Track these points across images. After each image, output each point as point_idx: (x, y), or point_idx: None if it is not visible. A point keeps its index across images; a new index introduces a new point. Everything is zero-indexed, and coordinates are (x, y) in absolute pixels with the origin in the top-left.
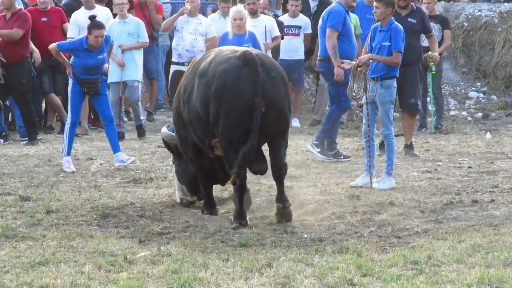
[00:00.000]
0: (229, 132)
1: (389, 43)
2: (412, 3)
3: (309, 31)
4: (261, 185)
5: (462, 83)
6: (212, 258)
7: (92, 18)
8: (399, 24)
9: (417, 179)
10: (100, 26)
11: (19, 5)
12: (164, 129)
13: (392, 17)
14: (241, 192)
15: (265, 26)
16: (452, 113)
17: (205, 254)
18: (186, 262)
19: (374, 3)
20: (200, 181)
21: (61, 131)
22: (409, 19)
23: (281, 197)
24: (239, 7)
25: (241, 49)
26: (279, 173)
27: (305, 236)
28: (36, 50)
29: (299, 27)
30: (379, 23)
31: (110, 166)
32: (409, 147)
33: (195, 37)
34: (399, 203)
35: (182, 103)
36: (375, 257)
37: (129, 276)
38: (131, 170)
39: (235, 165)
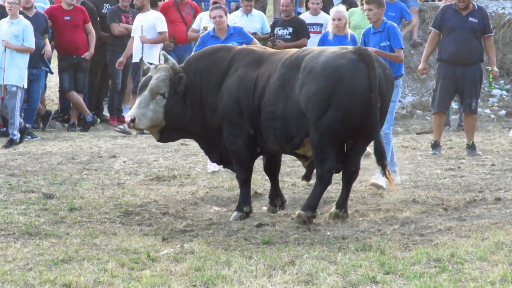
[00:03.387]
0: (335, 125)
1: (387, 43)
2: (472, 2)
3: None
4: (284, 183)
5: (485, 81)
6: (235, 255)
7: None
8: (392, 22)
9: (440, 177)
10: None
11: (45, 4)
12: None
13: (384, 17)
14: (325, 188)
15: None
16: None
17: (228, 251)
18: (209, 259)
19: (366, 6)
20: (244, 177)
21: (84, 129)
22: (470, 19)
23: (343, 204)
24: (340, 7)
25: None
26: (351, 176)
27: (328, 233)
28: (48, 43)
29: (320, 25)
30: (370, 26)
31: (133, 163)
32: (471, 147)
33: None
34: (422, 200)
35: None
36: (398, 254)
37: (152, 274)
38: (154, 168)
39: (329, 161)
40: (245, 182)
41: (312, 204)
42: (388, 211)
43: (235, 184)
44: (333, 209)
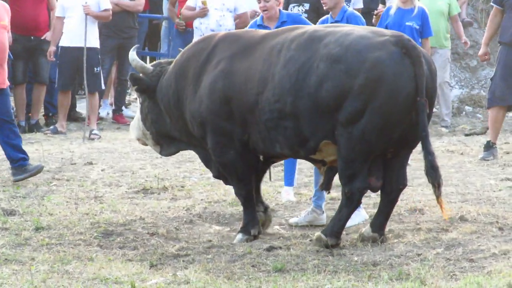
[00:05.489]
0: (374, 135)
1: None
2: None
3: (360, 5)
4: (300, 196)
5: None
6: (240, 286)
7: None
8: (353, 10)
9: (494, 189)
10: None
11: None
12: (133, 54)
13: (345, 3)
14: (353, 210)
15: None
16: None
17: (232, 281)
18: None
19: None
20: (245, 193)
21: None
22: None
23: (382, 226)
24: None
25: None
26: (396, 196)
27: (356, 259)
28: None
29: (348, 1)
30: (327, 16)
31: (114, 172)
32: None
33: (222, 14)
34: (472, 218)
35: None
36: (442, 285)
37: None
38: (140, 178)
39: (360, 179)
40: (247, 199)
41: (336, 230)
42: (429, 231)
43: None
44: (366, 230)
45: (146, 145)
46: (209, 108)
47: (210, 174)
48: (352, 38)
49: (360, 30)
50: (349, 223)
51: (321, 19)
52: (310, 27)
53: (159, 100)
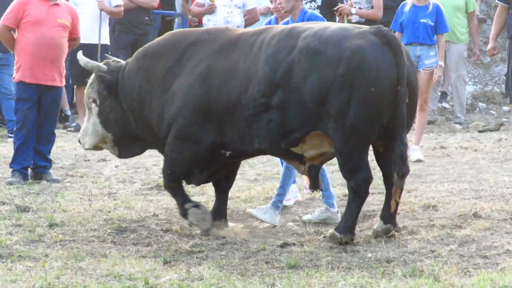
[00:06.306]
0: (364, 124)
1: None
2: None
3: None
4: (314, 193)
5: None
6: (254, 282)
7: None
8: (314, 11)
9: (508, 185)
10: None
11: None
12: (84, 57)
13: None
14: (362, 203)
15: None
16: None
17: (246, 277)
18: (222, 287)
19: None
20: (173, 185)
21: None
22: None
23: (393, 217)
24: None
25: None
26: (402, 185)
27: (369, 255)
28: None
29: None
30: (288, 19)
31: (128, 169)
32: None
33: (230, 10)
34: (486, 215)
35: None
36: (456, 282)
37: None
38: (154, 174)
39: (362, 170)
40: (178, 189)
41: (349, 225)
42: (443, 228)
43: (254, 194)
44: (378, 225)
45: (91, 149)
46: (181, 111)
47: None
48: (331, 30)
49: (337, 24)
50: (260, 215)
51: (282, 21)
52: (288, 26)
53: (121, 99)
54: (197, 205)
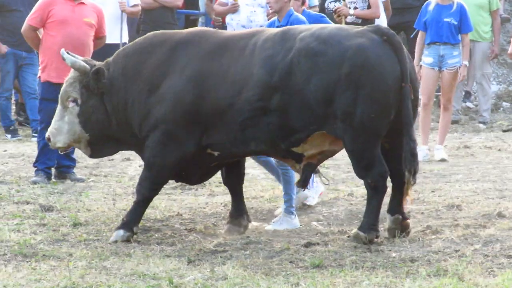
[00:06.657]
0: (373, 121)
1: None
2: None
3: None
4: (338, 192)
5: None
6: (278, 282)
7: None
8: (299, 14)
9: None
10: None
11: None
12: (70, 57)
13: (291, 7)
14: (382, 198)
15: None
16: None
17: (270, 277)
18: (246, 287)
19: None
20: (149, 196)
21: None
22: None
23: (400, 206)
24: None
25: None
26: (415, 181)
27: (394, 255)
28: None
29: None
30: (274, 19)
31: None
32: None
33: (253, 9)
34: (510, 214)
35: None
36: (480, 281)
37: None
38: None
39: (377, 165)
40: (147, 201)
41: (371, 223)
42: (467, 227)
43: (278, 193)
44: (388, 220)
45: (61, 148)
46: (168, 115)
47: (247, 170)
48: (329, 30)
49: (333, 25)
50: (279, 227)
51: (268, 22)
52: (280, 29)
53: (107, 100)
54: (133, 234)
